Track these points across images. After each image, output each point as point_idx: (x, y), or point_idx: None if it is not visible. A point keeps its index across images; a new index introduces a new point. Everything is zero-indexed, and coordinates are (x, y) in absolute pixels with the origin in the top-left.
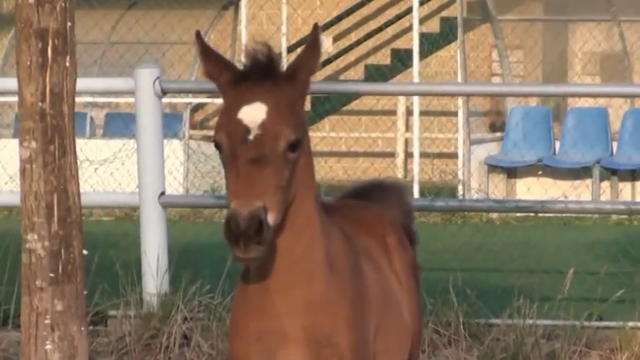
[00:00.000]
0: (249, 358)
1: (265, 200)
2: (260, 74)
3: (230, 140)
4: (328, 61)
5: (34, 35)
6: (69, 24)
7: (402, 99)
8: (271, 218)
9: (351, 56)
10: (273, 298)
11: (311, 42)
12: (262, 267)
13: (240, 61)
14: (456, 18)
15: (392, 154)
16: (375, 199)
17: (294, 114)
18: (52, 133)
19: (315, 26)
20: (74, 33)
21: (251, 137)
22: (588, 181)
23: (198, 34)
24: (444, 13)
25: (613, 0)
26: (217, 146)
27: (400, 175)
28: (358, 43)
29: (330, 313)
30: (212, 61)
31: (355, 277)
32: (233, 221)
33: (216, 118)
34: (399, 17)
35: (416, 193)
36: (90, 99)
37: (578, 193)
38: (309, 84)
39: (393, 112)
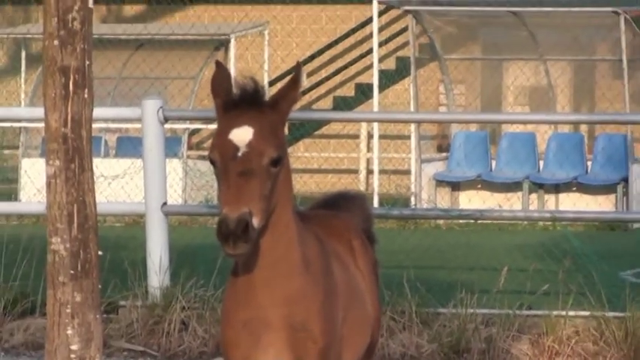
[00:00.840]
0: (237, 341)
1: (251, 206)
2: (247, 102)
3: (222, 157)
4: (302, 93)
5: (58, 72)
6: (87, 62)
7: (364, 125)
8: (256, 221)
9: (322, 89)
10: (256, 291)
11: (294, 77)
12: (248, 265)
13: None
14: (409, 57)
15: (355, 171)
16: (342, 207)
17: (276, 136)
18: (73, 154)
19: (298, 64)
20: (91, 69)
21: (240, 154)
22: (519, 194)
23: (219, 64)
24: (399, 53)
25: (539, 42)
26: (212, 162)
27: (362, 188)
28: (327, 78)
29: (305, 305)
30: (216, 83)
31: (326, 275)
32: (224, 223)
33: (210, 141)
34: (361, 56)
35: (375, 203)
36: (104, 125)
37: (510, 203)
38: (289, 112)
39: (356, 136)
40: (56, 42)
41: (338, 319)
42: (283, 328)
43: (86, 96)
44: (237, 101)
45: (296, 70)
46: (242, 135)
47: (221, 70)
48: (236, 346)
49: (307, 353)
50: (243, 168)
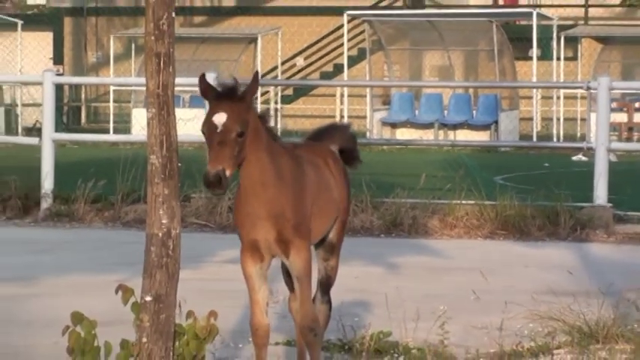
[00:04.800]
0: (243, 224)
1: (224, 164)
2: (225, 96)
3: (208, 131)
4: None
5: (154, 56)
6: (171, 50)
7: (338, 89)
8: (228, 173)
9: (313, 67)
10: (249, 197)
11: (253, 81)
12: (243, 182)
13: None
14: (365, 48)
15: (333, 116)
16: (330, 133)
17: (241, 118)
18: (162, 105)
19: (256, 74)
20: (174, 54)
21: (218, 130)
22: (432, 130)
23: (202, 77)
24: (360, 45)
25: (444, 38)
26: (203, 133)
27: None
28: (316, 60)
29: (280, 202)
30: (206, 88)
31: (296, 179)
32: (206, 176)
33: None
34: (337, 47)
35: None
36: (182, 88)
37: (427, 136)
38: (252, 102)
39: (333, 95)
40: (152, 37)
41: (306, 205)
42: (268, 217)
43: (170, 70)
44: (219, 95)
45: (254, 77)
46: (219, 118)
47: (203, 80)
48: (242, 226)
49: (285, 229)
50: (220, 139)
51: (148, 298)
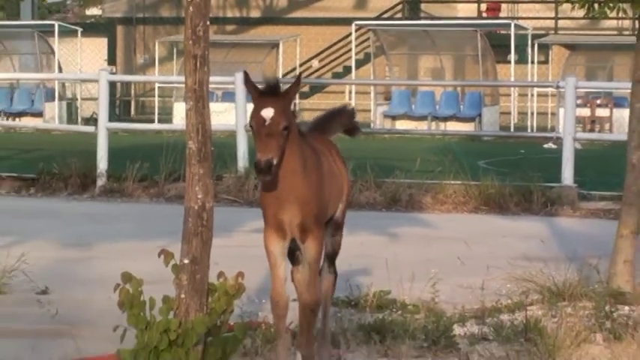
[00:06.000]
0: (269, 204)
1: (272, 154)
2: (269, 93)
3: (256, 125)
4: (314, 72)
5: (192, 57)
6: (206, 52)
7: (347, 87)
8: (275, 162)
9: (326, 68)
10: (279, 183)
11: (296, 81)
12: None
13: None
14: (370, 52)
15: None
16: (334, 116)
17: (286, 113)
18: (198, 99)
19: (299, 76)
20: (208, 57)
21: (266, 124)
22: (426, 122)
23: (246, 74)
24: (366, 50)
25: (437, 44)
26: (251, 127)
27: None
28: (329, 62)
29: (305, 188)
30: (250, 85)
31: (317, 168)
32: (258, 164)
33: None
34: (346, 52)
35: None
36: (215, 85)
37: (421, 127)
38: (293, 99)
39: (343, 92)
40: (190, 42)
41: (325, 193)
42: (295, 202)
43: (205, 69)
44: (264, 92)
45: (298, 77)
46: (267, 113)
47: (248, 77)
48: (269, 207)
49: (308, 216)
50: (267, 131)
51: (186, 261)
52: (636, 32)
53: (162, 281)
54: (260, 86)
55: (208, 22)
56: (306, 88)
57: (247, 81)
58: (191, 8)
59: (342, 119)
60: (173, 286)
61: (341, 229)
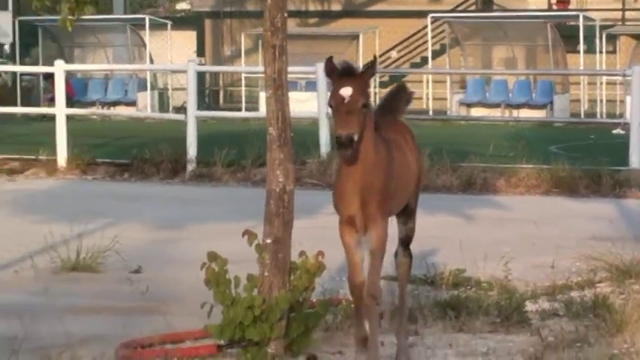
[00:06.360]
0: (342, 200)
1: (353, 130)
2: (347, 74)
3: (336, 103)
4: (393, 62)
5: (271, 47)
6: (284, 43)
7: (424, 76)
8: (355, 137)
9: (404, 59)
10: (350, 172)
11: (372, 62)
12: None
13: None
14: (445, 43)
15: (421, 98)
16: (395, 94)
17: (364, 92)
18: (277, 87)
19: (375, 58)
20: (286, 46)
21: (346, 101)
22: (499, 109)
23: (329, 59)
24: (442, 41)
25: (509, 36)
26: (330, 106)
27: (424, 106)
28: (406, 54)
29: (374, 172)
30: (330, 67)
31: (387, 155)
32: (339, 138)
33: None
34: (422, 43)
35: (430, 112)
36: (297, 75)
37: (495, 113)
38: (370, 80)
39: (421, 81)
40: (269, 33)
41: (392, 176)
42: (361, 192)
43: (284, 59)
44: (342, 73)
45: (373, 60)
46: (346, 91)
47: (330, 61)
48: (341, 202)
49: (372, 196)
50: (347, 109)
51: (268, 241)
52: None
53: (247, 260)
54: (340, 67)
55: (286, 15)
56: (385, 78)
57: (330, 64)
58: (269, 1)
59: (407, 95)
60: (257, 265)
61: (414, 215)
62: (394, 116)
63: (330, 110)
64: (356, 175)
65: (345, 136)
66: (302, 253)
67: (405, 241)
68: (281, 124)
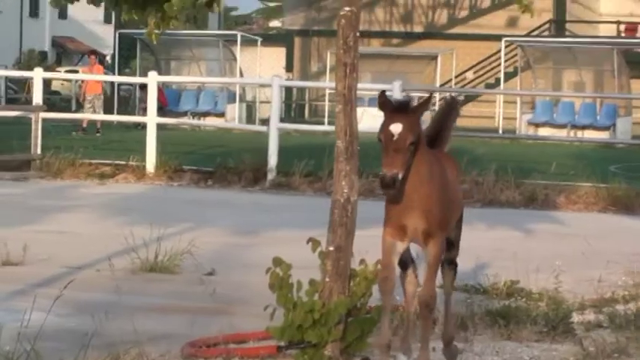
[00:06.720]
0: (395, 211)
1: (397, 168)
2: (399, 110)
3: (385, 139)
4: (468, 83)
5: (342, 65)
6: (355, 60)
7: (498, 96)
8: (400, 176)
9: (478, 80)
10: (407, 192)
11: (427, 100)
12: (404, 180)
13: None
14: (517, 66)
15: (493, 117)
16: (447, 108)
17: (414, 130)
18: (347, 102)
19: (430, 95)
20: (357, 64)
21: (394, 138)
22: (565, 129)
23: (382, 92)
24: (515, 64)
25: (578, 60)
26: (380, 140)
27: (496, 125)
28: (480, 76)
29: (430, 198)
30: (382, 102)
31: (441, 180)
32: (383, 178)
33: None
34: (496, 66)
35: (500, 131)
36: (373, 92)
37: (562, 134)
38: (421, 116)
39: (494, 101)
40: (341, 51)
41: (446, 205)
42: (420, 210)
43: (354, 76)
44: (395, 108)
45: (429, 96)
46: (396, 128)
47: (383, 95)
48: (394, 211)
49: (431, 222)
50: (395, 147)
51: (331, 248)
52: None
53: (311, 267)
54: (393, 102)
55: (358, 34)
56: (461, 97)
57: (382, 97)
58: (343, 21)
59: (453, 116)
60: (319, 271)
61: (457, 244)
62: (442, 144)
63: (380, 145)
64: (415, 192)
65: (389, 177)
66: (362, 261)
67: (449, 261)
68: (349, 138)
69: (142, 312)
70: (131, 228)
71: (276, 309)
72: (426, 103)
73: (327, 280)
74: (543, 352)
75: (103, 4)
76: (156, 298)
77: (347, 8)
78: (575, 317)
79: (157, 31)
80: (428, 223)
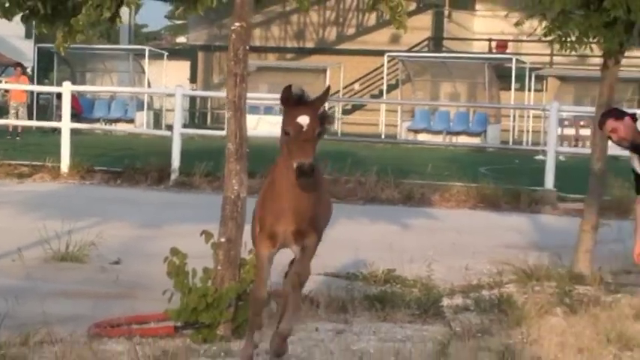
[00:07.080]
0: (267, 217)
1: (311, 158)
2: (302, 102)
3: (294, 131)
4: (355, 93)
5: (233, 75)
6: (245, 71)
7: (382, 105)
8: (314, 165)
9: (366, 90)
10: (282, 193)
11: (325, 92)
12: (280, 181)
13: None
14: (398, 78)
15: (377, 124)
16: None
17: (318, 120)
18: (237, 109)
19: (328, 88)
20: (247, 75)
21: (304, 129)
22: (441, 135)
23: (287, 87)
24: (397, 77)
25: (452, 72)
26: (286, 133)
27: (380, 130)
28: (366, 87)
29: (307, 200)
30: (287, 96)
31: (320, 189)
32: (303, 166)
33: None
34: (380, 78)
35: (383, 136)
36: (270, 101)
37: (437, 139)
38: (321, 107)
39: (378, 109)
40: (232, 62)
41: (320, 205)
42: (294, 212)
43: (244, 86)
44: (298, 102)
45: (326, 90)
46: (303, 120)
47: (288, 89)
48: (266, 217)
49: (305, 223)
50: (305, 137)
51: (222, 240)
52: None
53: (205, 256)
54: (295, 96)
55: (247, 47)
56: (348, 106)
57: (287, 91)
58: (233, 35)
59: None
60: (212, 259)
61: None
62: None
63: (287, 138)
64: (291, 194)
65: (307, 165)
66: (251, 251)
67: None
68: (238, 140)
69: (52, 297)
70: (45, 222)
71: (173, 294)
72: (324, 96)
73: (219, 268)
74: (415, 332)
75: (16, 18)
76: (65, 284)
77: (237, 24)
78: (445, 301)
79: (65, 45)
80: (300, 225)
